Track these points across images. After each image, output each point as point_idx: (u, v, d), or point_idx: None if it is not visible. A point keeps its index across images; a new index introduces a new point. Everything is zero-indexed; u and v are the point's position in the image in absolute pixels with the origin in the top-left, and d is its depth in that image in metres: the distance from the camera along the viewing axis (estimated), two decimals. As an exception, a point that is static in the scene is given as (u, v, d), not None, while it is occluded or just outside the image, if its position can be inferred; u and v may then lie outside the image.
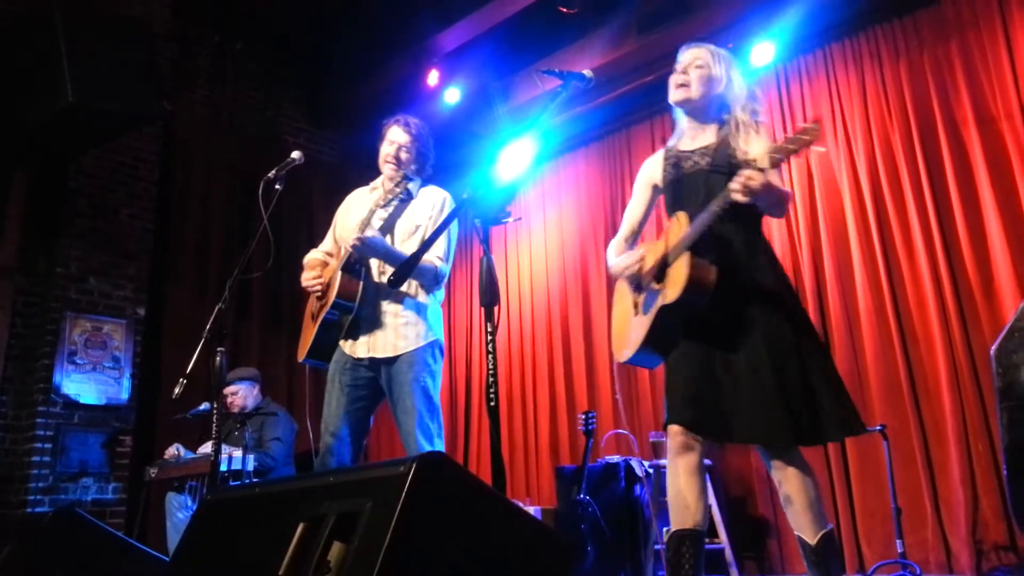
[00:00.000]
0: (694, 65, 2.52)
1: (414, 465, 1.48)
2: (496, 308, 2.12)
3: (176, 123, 6.33)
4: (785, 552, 4.91)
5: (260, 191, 3.05)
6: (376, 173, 3.33)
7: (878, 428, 4.23)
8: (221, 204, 6.52)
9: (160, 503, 4.92)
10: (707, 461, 4.84)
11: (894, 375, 4.63)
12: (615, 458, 4.92)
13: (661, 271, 2.45)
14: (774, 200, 2.31)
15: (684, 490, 2.38)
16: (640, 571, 4.80)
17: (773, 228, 5.29)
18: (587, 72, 2.54)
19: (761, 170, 2.17)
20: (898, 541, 4.00)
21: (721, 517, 4.68)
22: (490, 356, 2.09)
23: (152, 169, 6.09)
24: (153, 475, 4.80)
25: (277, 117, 7.12)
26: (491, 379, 2.08)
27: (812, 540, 2.30)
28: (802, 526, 2.33)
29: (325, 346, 3.12)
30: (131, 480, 5.53)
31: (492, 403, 2.07)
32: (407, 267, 2.46)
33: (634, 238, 2.74)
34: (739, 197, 2.18)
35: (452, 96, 6.28)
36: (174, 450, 4.84)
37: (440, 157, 7.29)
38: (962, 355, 4.38)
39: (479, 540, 1.55)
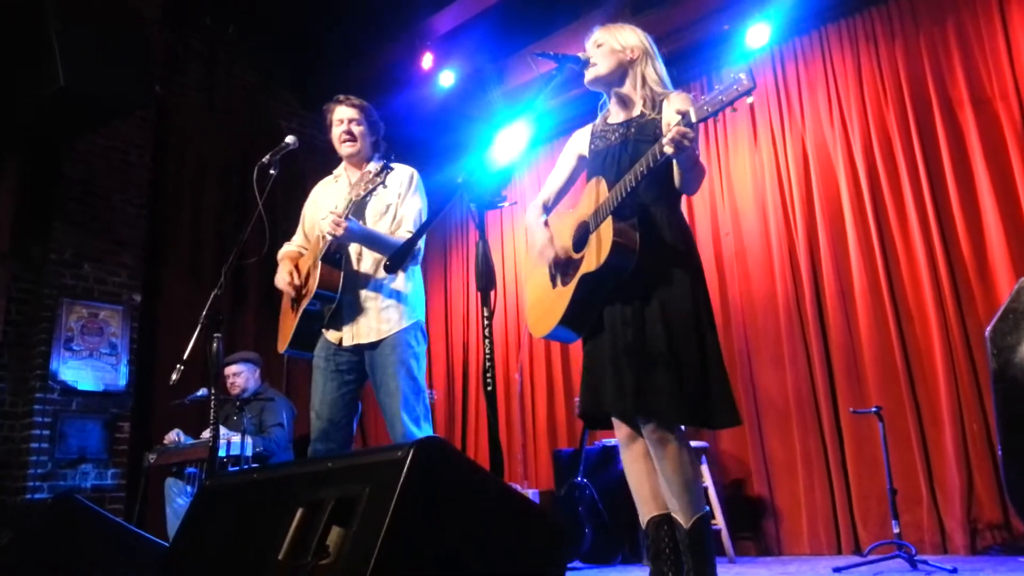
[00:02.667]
0: (595, 45, 2.54)
1: (412, 450, 1.49)
2: (492, 293, 2.12)
3: (168, 108, 6.29)
4: (782, 533, 4.95)
5: (255, 176, 3.04)
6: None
7: (873, 410, 4.25)
8: (215, 189, 6.49)
9: (159, 489, 4.93)
10: (703, 443, 4.91)
11: (889, 356, 4.65)
12: (612, 441, 4.94)
13: (581, 239, 2.42)
14: (693, 163, 2.25)
15: (639, 480, 2.39)
16: (638, 553, 4.83)
17: (769, 210, 5.29)
18: (582, 55, 2.54)
19: (692, 124, 2.10)
20: (893, 522, 4.03)
21: (717, 498, 4.71)
22: (487, 341, 2.09)
23: (145, 154, 6.06)
24: (152, 461, 4.81)
25: (270, 101, 7.08)
26: (488, 364, 2.08)
27: (686, 523, 2.27)
28: (676, 509, 2.29)
29: (307, 336, 3.13)
30: (130, 466, 5.55)
31: (489, 388, 2.07)
32: (402, 254, 2.46)
33: (552, 204, 2.72)
34: (668, 149, 2.12)
35: (446, 79, 6.24)
36: (174, 436, 4.85)
37: (435, 141, 7.29)
38: (957, 336, 4.39)
39: (476, 524, 1.55)
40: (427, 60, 6.18)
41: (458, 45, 6.16)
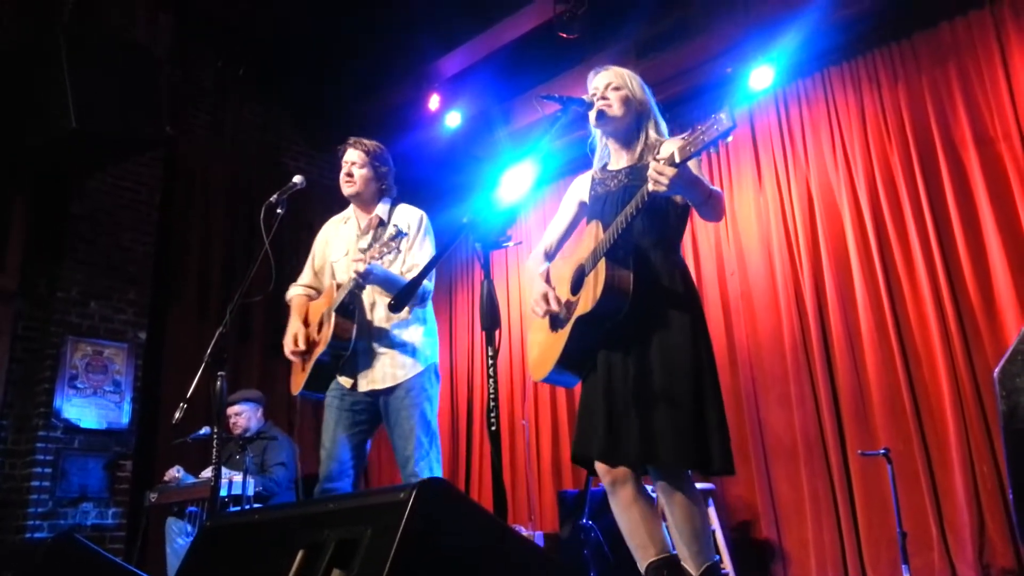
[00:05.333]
0: (611, 87, 2.52)
1: (414, 492, 1.47)
2: (497, 332, 2.11)
3: (178, 147, 6.36)
4: (790, 577, 4.87)
5: (262, 215, 3.06)
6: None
7: (882, 451, 4.21)
8: (222, 228, 6.54)
9: (160, 528, 4.88)
10: (710, 485, 4.85)
11: (897, 397, 4.61)
12: (617, 482, 4.88)
13: (578, 282, 2.43)
14: (704, 197, 2.26)
15: (632, 526, 2.36)
16: (643, 596, 4.74)
17: (774, 250, 5.30)
18: (587, 97, 2.56)
19: (676, 164, 2.11)
20: (903, 565, 3.96)
21: (725, 541, 4.64)
22: (491, 380, 2.08)
23: (153, 193, 6.11)
24: (153, 500, 4.78)
25: (279, 141, 7.16)
26: (492, 403, 2.07)
27: (696, 572, 2.24)
28: (686, 557, 2.26)
29: (320, 380, 3.14)
30: (131, 505, 5.50)
31: (493, 427, 2.06)
32: (406, 294, 2.46)
33: (554, 252, 2.73)
34: (650, 186, 2.14)
35: (453, 120, 6.31)
36: (174, 472, 4.82)
37: (441, 181, 7.34)
38: (965, 376, 4.37)
39: (480, 568, 1.53)
40: (434, 101, 6.26)
41: (465, 87, 6.24)
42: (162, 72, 5.66)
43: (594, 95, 2.52)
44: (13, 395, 5.42)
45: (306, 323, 3.23)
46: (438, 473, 3.02)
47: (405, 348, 3.08)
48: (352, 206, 3.36)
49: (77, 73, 4.76)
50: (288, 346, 3.16)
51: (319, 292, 3.35)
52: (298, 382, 3.20)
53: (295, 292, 3.37)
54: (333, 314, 3.02)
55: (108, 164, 5.67)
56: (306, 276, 3.39)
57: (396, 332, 3.10)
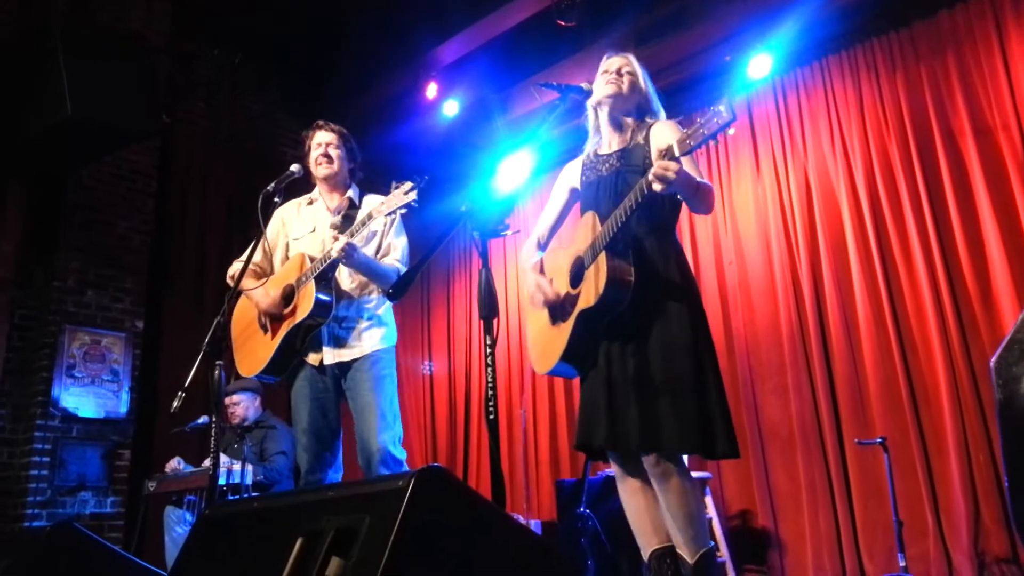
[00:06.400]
0: (624, 70, 2.55)
1: (413, 480, 1.48)
2: (495, 321, 2.12)
3: (174, 136, 6.34)
4: (787, 565, 4.89)
5: (259, 204, 3.05)
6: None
7: (878, 440, 4.22)
8: (219, 217, 6.52)
9: (158, 517, 4.89)
10: (706, 474, 4.86)
11: (894, 386, 4.62)
12: (615, 470, 4.89)
13: (578, 275, 2.43)
14: (692, 191, 2.26)
15: (638, 513, 2.38)
16: (640, 584, 4.77)
17: (772, 239, 5.30)
18: (585, 85, 2.56)
19: (676, 158, 2.11)
20: (899, 554, 3.98)
21: (721, 530, 4.66)
22: (489, 369, 2.08)
23: (150, 182, 6.09)
24: (152, 489, 4.78)
25: (276, 130, 7.13)
26: (490, 392, 2.07)
27: (691, 559, 2.25)
28: (681, 543, 2.27)
29: (283, 359, 3.11)
30: (129, 494, 5.51)
31: (491, 416, 2.06)
32: (405, 283, 2.46)
33: (546, 241, 2.74)
34: (657, 186, 2.13)
35: (451, 108, 6.29)
36: (175, 463, 4.83)
37: (439, 169, 7.33)
38: (962, 365, 4.38)
39: (478, 556, 1.54)
40: (431, 90, 6.23)
41: (462, 75, 6.22)
42: (159, 61, 5.64)
43: (607, 72, 2.53)
44: (11, 384, 5.42)
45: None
46: (400, 452, 3.01)
47: (372, 324, 3.11)
48: (318, 189, 3.34)
49: (73, 62, 4.73)
50: (268, 301, 3.09)
51: (264, 273, 3.29)
52: (256, 360, 3.14)
53: (239, 267, 3.15)
54: (312, 281, 3.00)
55: (104, 153, 5.64)
56: (255, 254, 3.23)
57: (365, 308, 3.12)
